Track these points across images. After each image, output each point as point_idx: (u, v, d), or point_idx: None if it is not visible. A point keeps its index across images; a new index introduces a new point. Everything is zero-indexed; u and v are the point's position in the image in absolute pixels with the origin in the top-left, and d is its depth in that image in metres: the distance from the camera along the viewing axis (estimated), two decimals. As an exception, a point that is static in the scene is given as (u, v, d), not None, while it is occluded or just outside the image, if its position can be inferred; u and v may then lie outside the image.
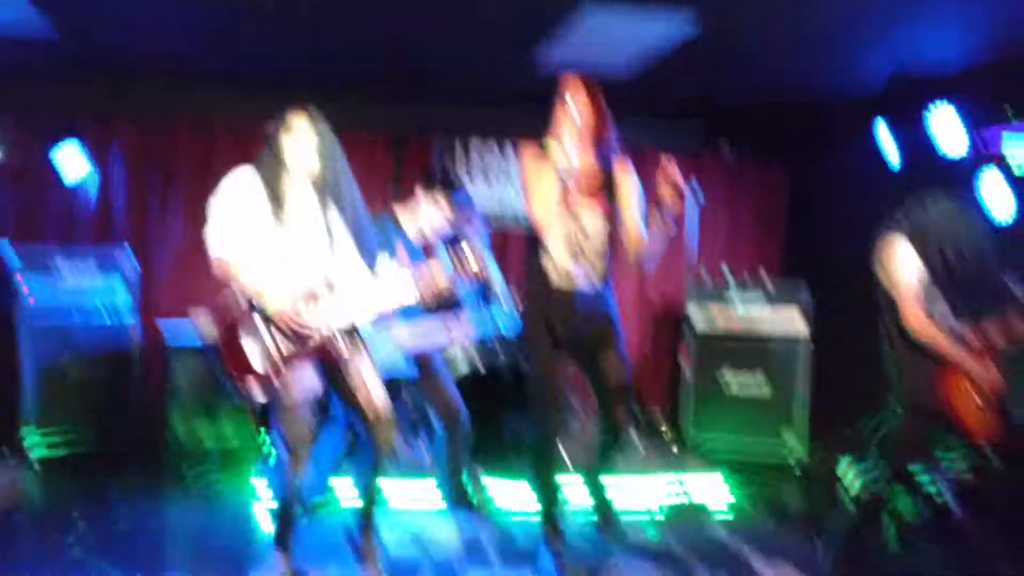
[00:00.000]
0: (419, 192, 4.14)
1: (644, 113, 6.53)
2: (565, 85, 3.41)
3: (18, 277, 5.02)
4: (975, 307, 3.50)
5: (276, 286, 3.21)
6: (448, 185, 4.19)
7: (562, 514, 3.69)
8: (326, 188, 3.29)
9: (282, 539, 3.44)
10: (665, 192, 3.32)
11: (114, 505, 4.33)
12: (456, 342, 4.38)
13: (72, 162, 5.64)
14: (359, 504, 3.52)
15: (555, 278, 3.46)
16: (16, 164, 5.60)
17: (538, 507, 3.71)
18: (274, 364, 3.20)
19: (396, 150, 6.21)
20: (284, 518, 3.43)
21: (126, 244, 5.56)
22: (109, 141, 5.83)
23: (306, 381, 3.27)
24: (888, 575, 3.72)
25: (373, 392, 3.33)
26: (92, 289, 5.30)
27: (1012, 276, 3.59)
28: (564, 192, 3.33)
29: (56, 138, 5.58)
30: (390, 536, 4.00)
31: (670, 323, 6.63)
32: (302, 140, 3.23)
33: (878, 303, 3.54)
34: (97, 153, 5.79)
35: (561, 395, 3.59)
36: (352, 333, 3.33)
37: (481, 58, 5.23)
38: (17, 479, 4.72)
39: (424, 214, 4.12)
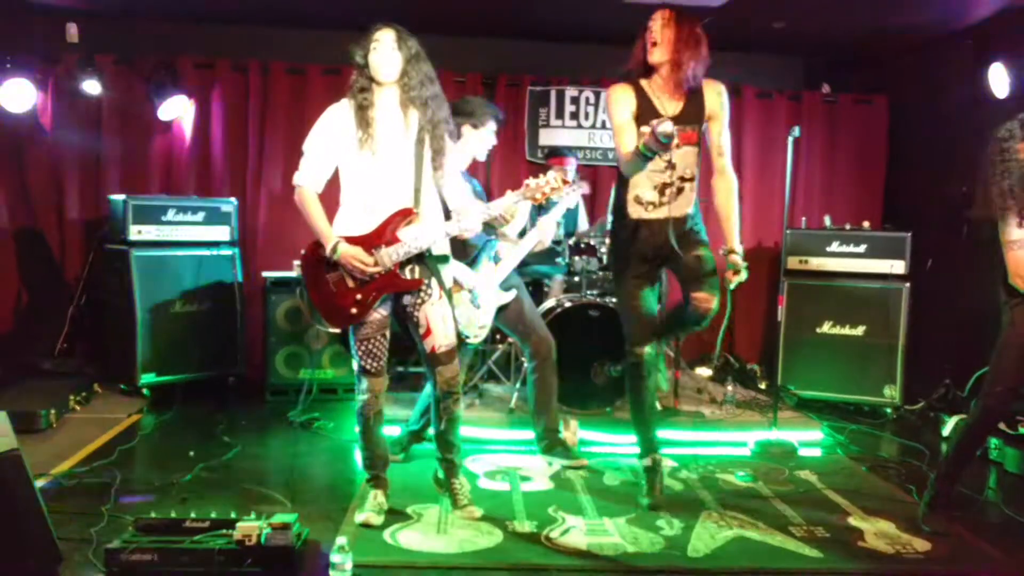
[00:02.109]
0: None
1: (742, 50, 6.37)
2: (651, 18, 3.38)
3: (132, 229, 5.22)
4: None
5: (351, 216, 3.28)
6: None
7: (656, 444, 3.70)
8: (411, 92, 3.27)
9: (375, 476, 3.48)
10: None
11: (220, 439, 4.51)
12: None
13: (173, 108, 5.83)
14: (440, 442, 3.51)
15: (638, 210, 3.48)
16: (119, 107, 5.81)
17: (635, 439, 3.74)
18: (347, 297, 3.27)
19: (487, 90, 6.22)
20: (370, 452, 3.46)
21: (235, 200, 5.68)
22: (209, 86, 5.99)
23: (375, 313, 3.30)
24: (987, 526, 3.57)
25: (435, 329, 3.32)
26: (200, 240, 5.50)
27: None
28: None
29: (159, 82, 5.75)
30: (481, 471, 4.10)
31: (766, 269, 6.51)
32: (386, 46, 3.23)
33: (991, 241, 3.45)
34: (197, 98, 5.96)
35: (651, 324, 3.57)
36: (424, 263, 3.32)
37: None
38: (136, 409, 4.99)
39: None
